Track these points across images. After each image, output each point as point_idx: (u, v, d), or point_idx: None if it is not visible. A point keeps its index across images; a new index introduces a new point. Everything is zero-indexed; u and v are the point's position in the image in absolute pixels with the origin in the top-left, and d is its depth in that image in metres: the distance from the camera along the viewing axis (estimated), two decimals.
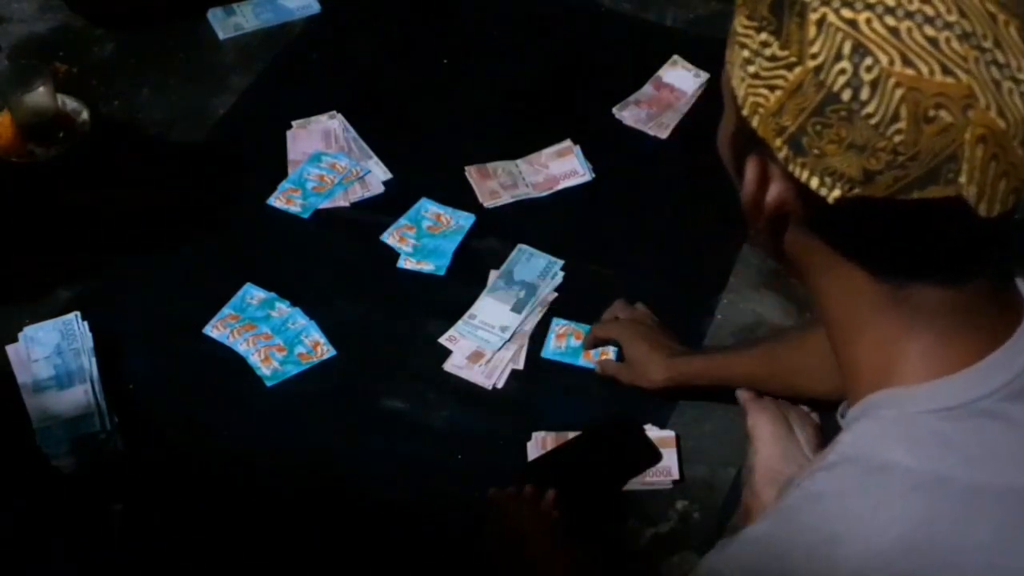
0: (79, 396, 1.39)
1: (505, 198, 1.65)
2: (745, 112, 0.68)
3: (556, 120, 1.76)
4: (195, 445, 1.39)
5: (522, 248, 1.58)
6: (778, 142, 0.67)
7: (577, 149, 1.71)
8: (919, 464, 0.66)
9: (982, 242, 0.68)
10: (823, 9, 0.64)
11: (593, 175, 1.69)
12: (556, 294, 1.54)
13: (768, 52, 0.66)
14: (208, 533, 1.32)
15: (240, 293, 1.53)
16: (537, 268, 1.56)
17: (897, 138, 0.62)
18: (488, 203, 1.65)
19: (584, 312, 1.51)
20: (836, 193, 0.65)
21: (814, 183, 0.66)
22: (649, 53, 1.85)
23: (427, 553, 1.31)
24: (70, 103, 1.72)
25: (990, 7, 0.62)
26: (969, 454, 0.67)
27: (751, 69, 0.67)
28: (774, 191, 0.70)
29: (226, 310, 1.51)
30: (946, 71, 0.62)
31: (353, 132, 1.74)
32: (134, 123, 1.77)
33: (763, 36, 0.66)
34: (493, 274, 1.56)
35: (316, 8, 1.94)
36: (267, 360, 1.46)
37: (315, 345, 1.48)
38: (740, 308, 1.55)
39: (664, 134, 1.75)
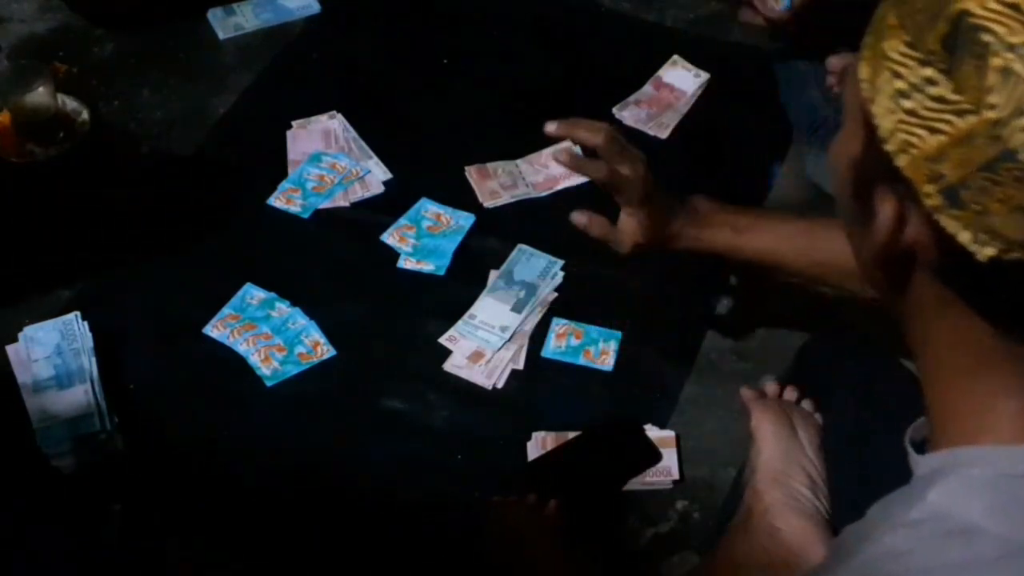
0: (79, 396, 1.39)
1: (505, 198, 1.65)
2: (891, 148, 0.62)
3: (556, 120, 1.75)
4: (195, 445, 1.39)
5: (522, 248, 1.58)
6: (929, 188, 0.60)
7: (577, 149, 1.71)
8: (1007, 531, 0.63)
9: None
10: (1008, 55, 0.57)
11: None
12: (556, 294, 1.54)
13: (934, 91, 0.59)
14: (208, 533, 1.32)
15: (240, 293, 1.53)
16: (537, 268, 1.56)
17: None
18: (488, 203, 1.65)
19: (584, 312, 1.51)
20: (989, 252, 0.59)
21: (964, 238, 0.60)
22: (649, 53, 1.85)
23: (427, 553, 1.31)
24: (70, 103, 1.72)
25: None
26: None
27: (907, 104, 0.60)
28: (910, 233, 0.64)
29: (226, 310, 1.51)
30: None
31: (353, 132, 1.74)
32: (134, 123, 1.77)
33: (928, 72, 0.59)
34: (493, 274, 1.56)
35: (316, 8, 1.94)
36: (267, 360, 1.46)
37: (315, 345, 1.48)
38: (740, 308, 1.54)
39: (664, 134, 1.75)
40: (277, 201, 1.64)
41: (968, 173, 0.59)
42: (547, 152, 1.71)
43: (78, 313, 1.47)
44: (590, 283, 1.56)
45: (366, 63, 1.86)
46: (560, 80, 1.84)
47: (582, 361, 1.47)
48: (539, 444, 1.38)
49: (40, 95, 1.65)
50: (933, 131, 0.60)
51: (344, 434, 1.41)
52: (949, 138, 0.59)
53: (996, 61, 0.57)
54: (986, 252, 0.60)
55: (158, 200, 1.66)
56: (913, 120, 0.60)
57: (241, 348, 1.47)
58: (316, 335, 1.49)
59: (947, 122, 0.59)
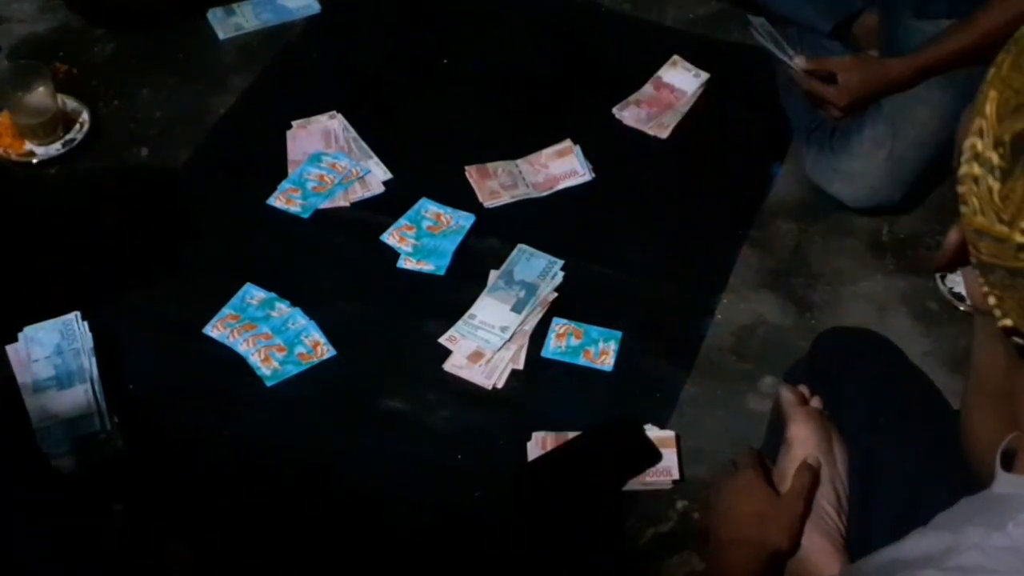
0: (79, 396, 1.39)
1: (505, 198, 1.65)
2: (959, 189, 0.60)
3: (556, 120, 1.76)
4: (195, 445, 1.39)
5: (522, 248, 1.58)
6: (973, 251, 0.60)
7: (577, 149, 1.71)
8: None
9: None
10: None
11: (593, 175, 1.69)
12: (556, 294, 1.54)
13: (989, 180, 0.58)
14: (208, 533, 1.32)
15: (240, 293, 1.53)
16: (537, 268, 1.56)
17: None
18: (488, 203, 1.65)
19: (584, 312, 1.51)
20: (1007, 323, 0.59)
21: (991, 302, 0.60)
22: (649, 53, 1.85)
23: (427, 552, 1.31)
24: (70, 103, 1.73)
25: None
26: None
27: (973, 170, 0.59)
28: None
29: (226, 310, 1.51)
30: None
31: (353, 132, 1.74)
32: (134, 123, 1.76)
33: (993, 157, 0.57)
34: (493, 274, 1.56)
35: (316, 8, 1.94)
36: (267, 360, 1.46)
37: (315, 345, 1.48)
38: (740, 308, 1.55)
39: (664, 134, 1.75)
40: (277, 201, 1.64)
41: (995, 264, 0.58)
42: (547, 152, 1.71)
43: (78, 313, 1.47)
44: (590, 283, 1.56)
45: (366, 63, 1.86)
46: (560, 80, 1.84)
47: (582, 361, 1.47)
48: (539, 444, 1.38)
49: (40, 95, 1.66)
50: (976, 211, 0.58)
51: (344, 434, 1.41)
52: (985, 226, 0.58)
53: None
54: (1004, 323, 0.59)
55: (158, 200, 1.66)
56: (971, 186, 0.58)
57: (241, 348, 1.47)
58: (316, 335, 1.49)
59: (987, 213, 0.57)
